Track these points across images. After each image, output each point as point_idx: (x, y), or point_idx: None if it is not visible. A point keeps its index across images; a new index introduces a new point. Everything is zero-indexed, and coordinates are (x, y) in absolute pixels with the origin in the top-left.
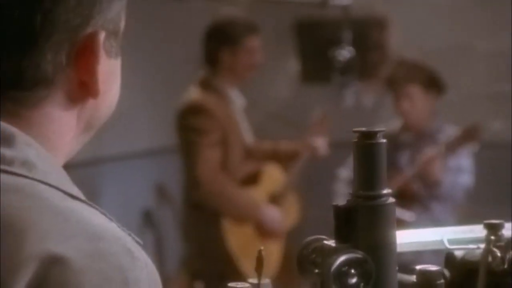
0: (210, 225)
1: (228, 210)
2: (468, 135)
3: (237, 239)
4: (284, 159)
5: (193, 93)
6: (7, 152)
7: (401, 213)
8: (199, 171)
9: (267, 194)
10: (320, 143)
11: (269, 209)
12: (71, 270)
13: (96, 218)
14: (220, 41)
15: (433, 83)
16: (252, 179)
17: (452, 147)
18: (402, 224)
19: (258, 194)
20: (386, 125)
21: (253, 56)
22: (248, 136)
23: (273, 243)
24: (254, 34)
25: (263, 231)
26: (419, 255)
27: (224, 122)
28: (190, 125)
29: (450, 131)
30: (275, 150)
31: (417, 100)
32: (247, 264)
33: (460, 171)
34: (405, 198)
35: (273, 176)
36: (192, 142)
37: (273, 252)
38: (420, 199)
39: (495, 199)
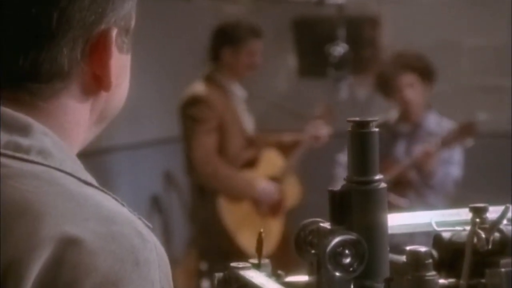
0: (211, 206)
1: (224, 189)
2: (464, 131)
3: (234, 217)
4: (288, 150)
5: (196, 86)
6: (24, 141)
7: (397, 199)
8: (194, 154)
9: (264, 176)
10: (323, 133)
11: (265, 185)
12: (86, 251)
13: (109, 203)
14: (223, 40)
15: (428, 73)
16: (251, 163)
17: (448, 142)
18: (397, 209)
19: (255, 176)
20: (384, 116)
21: (253, 58)
22: (249, 126)
23: (272, 222)
24: (256, 38)
25: (261, 207)
26: (409, 236)
27: (223, 112)
28: (189, 114)
29: (444, 123)
30: (280, 143)
31: (417, 88)
32: (244, 241)
33: (451, 163)
34: (401, 186)
35: (272, 160)
36: (190, 129)
37: (273, 230)
38: (415, 187)
39: (482, 185)
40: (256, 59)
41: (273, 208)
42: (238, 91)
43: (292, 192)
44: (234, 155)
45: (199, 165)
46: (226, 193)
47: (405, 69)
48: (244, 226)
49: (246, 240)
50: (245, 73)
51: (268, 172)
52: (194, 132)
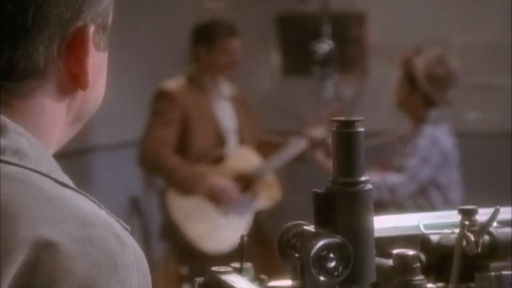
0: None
1: (169, 182)
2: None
3: (182, 211)
4: (273, 150)
5: (166, 82)
6: None
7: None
8: (145, 145)
9: (231, 173)
10: (321, 134)
11: (217, 181)
12: (62, 255)
13: (86, 205)
14: (198, 39)
15: (419, 91)
16: (220, 160)
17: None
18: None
19: (220, 172)
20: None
21: (230, 57)
22: (228, 124)
23: (236, 220)
24: (231, 36)
25: (215, 204)
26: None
27: (190, 107)
28: (151, 108)
29: (427, 130)
30: (283, 144)
31: (403, 93)
32: (196, 235)
33: (399, 171)
34: None
35: (244, 158)
36: (149, 122)
37: (233, 228)
38: None
39: (473, 186)
40: (233, 58)
41: (235, 205)
42: (224, 89)
43: (269, 192)
44: (201, 151)
45: (146, 156)
46: (172, 186)
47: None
48: (195, 221)
49: (197, 234)
50: (223, 72)
51: (236, 170)
52: (150, 125)
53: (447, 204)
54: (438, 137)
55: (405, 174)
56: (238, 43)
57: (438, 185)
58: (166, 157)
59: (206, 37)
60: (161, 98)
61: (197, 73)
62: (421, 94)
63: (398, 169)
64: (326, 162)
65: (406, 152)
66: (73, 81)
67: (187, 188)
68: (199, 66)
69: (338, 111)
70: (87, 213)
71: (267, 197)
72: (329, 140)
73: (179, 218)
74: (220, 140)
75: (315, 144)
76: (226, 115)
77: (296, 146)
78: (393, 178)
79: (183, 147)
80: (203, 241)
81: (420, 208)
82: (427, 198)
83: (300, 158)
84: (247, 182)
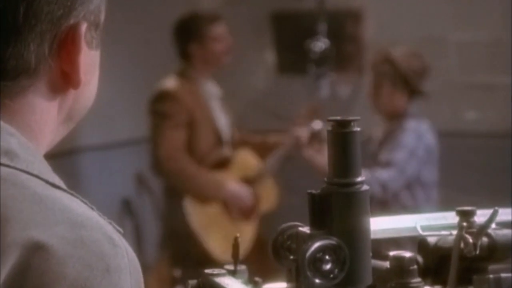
0: (180, 208)
1: (189, 189)
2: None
3: (201, 219)
4: (266, 151)
5: (165, 82)
6: None
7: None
8: (160, 150)
9: (237, 177)
10: (317, 126)
11: (234, 187)
12: (53, 257)
13: (78, 207)
14: (186, 37)
15: (403, 84)
16: (222, 164)
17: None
18: None
19: (227, 177)
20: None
21: (221, 43)
22: (223, 124)
23: (245, 226)
24: (216, 22)
25: (230, 210)
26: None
27: (192, 108)
28: (155, 110)
29: (411, 124)
30: (264, 144)
31: (385, 92)
32: (212, 245)
33: (387, 165)
34: None
35: (245, 161)
36: (157, 125)
37: (244, 235)
38: None
39: (470, 186)
40: (224, 44)
41: (245, 211)
42: (213, 89)
43: (268, 195)
44: (203, 153)
45: (165, 162)
46: (192, 193)
47: (378, 73)
48: (212, 229)
49: (214, 244)
50: (218, 62)
51: (241, 174)
52: (161, 128)
53: (428, 203)
54: (422, 132)
55: (394, 168)
56: (223, 27)
57: (421, 182)
58: (185, 162)
59: (193, 32)
60: (166, 99)
61: (189, 71)
62: (403, 88)
63: (385, 164)
64: (316, 158)
65: (390, 147)
66: (65, 80)
67: (207, 195)
68: (193, 63)
69: (313, 108)
70: (79, 214)
71: (267, 200)
72: (323, 134)
73: (196, 225)
74: (219, 141)
75: (310, 137)
76: (221, 115)
77: (285, 145)
78: (383, 174)
79: (188, 149)
80: (217, 250)
81: (404, 206)
82: (412, 195)
83: (288, 157)
84: (251, 186)
